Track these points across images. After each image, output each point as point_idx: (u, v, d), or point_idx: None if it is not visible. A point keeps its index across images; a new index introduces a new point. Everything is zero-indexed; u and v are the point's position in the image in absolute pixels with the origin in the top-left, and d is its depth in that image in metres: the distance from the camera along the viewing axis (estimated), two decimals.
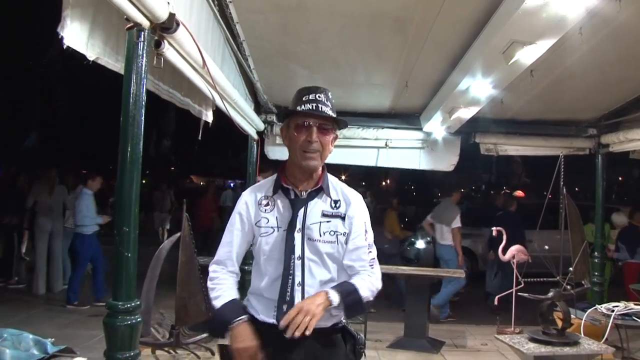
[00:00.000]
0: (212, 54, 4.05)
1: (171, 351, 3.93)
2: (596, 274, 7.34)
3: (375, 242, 2.58)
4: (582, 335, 4.20)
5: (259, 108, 7.24)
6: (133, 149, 2.73)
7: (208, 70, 3.65)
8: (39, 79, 18.07)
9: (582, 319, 4.65)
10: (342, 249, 2.47)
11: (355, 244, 2.50)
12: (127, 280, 2.76)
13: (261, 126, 7.17)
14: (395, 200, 11.38)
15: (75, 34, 2.61)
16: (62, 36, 2.50)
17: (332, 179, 2.58)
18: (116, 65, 3.00)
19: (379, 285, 2.53)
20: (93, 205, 8.60)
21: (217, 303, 2.44)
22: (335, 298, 2.33)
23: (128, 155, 2.72)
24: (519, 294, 5.20)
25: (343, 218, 2.49)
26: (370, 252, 2.54)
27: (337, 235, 2.46)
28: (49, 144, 20.29)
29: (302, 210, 2.45)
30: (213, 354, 4.10)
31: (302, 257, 2.40)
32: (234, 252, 2.53)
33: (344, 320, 2.54)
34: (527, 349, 3.84)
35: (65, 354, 2.77)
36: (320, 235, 2.43)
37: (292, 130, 2.46)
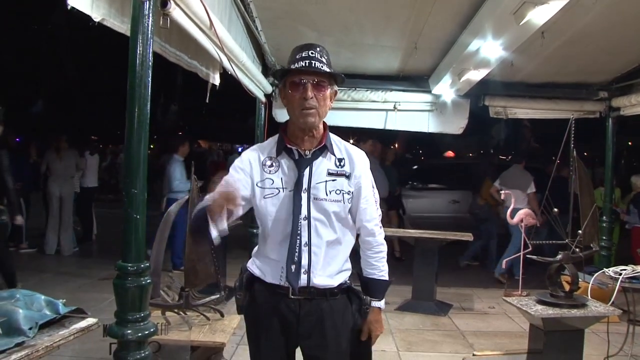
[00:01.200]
0: (219, 15, 4.00)
1: (181, 313, 3.96)
2: (604, 237, 7.37)
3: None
4: (590, 298, 4.21)
5: (266, 70, 7.18)
6: (141, 111, 2.72)
7: (215, 31, 3.62)
8: (44, 43, 17.97)
9: (589, 282, 4.66)
10: (347, 208, 2.48)
11: (367, 202, 2.53)
12: (136, 243, 2.77)
13: (269, 89, 7.12)
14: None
15: None
16: None
17: (334, 138, 2.57)
18: (122, 27, 2.97)
19: (385, 244, 2.65)
20: (184, 171, 8.74)
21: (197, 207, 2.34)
22: (382, 304, 2.63)
23: (136, 116, 2.71)
24: (527, 256, 5.19)
25: (348, 177, 2.49)
26: (378, 207, 2.60)
27: (342, 194, 2.46)
28: (58, 109, 20.31)
29: (307, 170, 2.44)
30: (222, 315, 4.13)
31: (308, 217, 2.40)
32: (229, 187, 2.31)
33: (348, 281, 2.57)
34: (534, 311, 3.86)
35: (76, 314, 2.80)
36: (327, 195, 2.43)
37: (288, 89, 2.44)
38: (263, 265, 2.52)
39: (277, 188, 2.44)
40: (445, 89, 7.20)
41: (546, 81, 7.45)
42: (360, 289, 2.64)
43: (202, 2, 3.22)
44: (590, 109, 7.63)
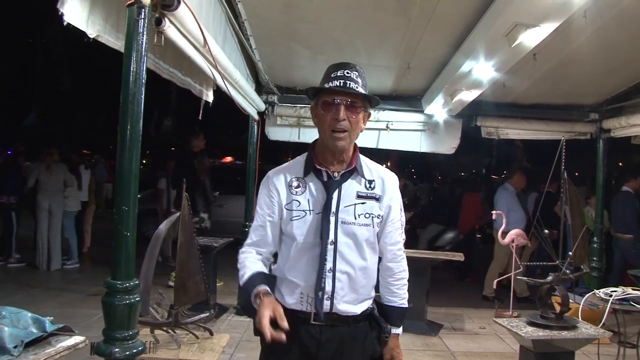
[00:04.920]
0: (213, 32, 4.02)
1: (170, 331, 3.92)
2: (595, 259, 7.34)
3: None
4: (580, 319, 4.20)
5: (260, 88, 7.23)
6: (133, 128, 2.70)
7: (209, 49, 3.62)
8: (40, 57, 17.98)
9: (580, 304, 4.66)
10: (376, 232, 2.41)
11: (393, 225, 2.47)
12: (126, 260, 2.75)
13: (262, 106, 7.16)
14: None
15: (75, 11, 2.59)
16: (62, 12, 2.47)
17: (365, 159, 2.50)
18: (117, 43, 2.98)
19: (407, 271, 2.59)
20: None
21: (242, 279, 2.37)
22: (401, 330, 2.56)
23: (128, 133, 2.69)
24: (518, 277, 5.19)
25: (378, 199, 2.41)
26: (403, 231, 2.58)
27: (372, 217, 2.38)
28: (51, 123, 20.24)
29: (336, 193, 2.36)
30: (212, 334, 4.10)
31: (335, 242, 2.33)
32: (268, 235, 2.45)
33: (371, 306, 2.50)
34: (525, 333, 3.84)
35: (63, 332, 2.77)
36: (355, 218, 2.36)
37: (320, 109, 2.37)
38: (283, 288, 2.43)
39: (303, 210, 2.37)
40: (437, 109, 7.25)
41: (538, 102, 7.52)
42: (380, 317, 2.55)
43: (196, 20, 3.22)
44: (581, 130, 7.69)
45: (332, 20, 5.10)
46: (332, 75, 2.36)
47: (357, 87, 2.32)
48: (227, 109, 5.97)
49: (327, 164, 2.41)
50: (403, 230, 2.57)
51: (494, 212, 7.93)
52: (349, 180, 2.40)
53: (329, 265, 2.32)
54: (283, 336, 2.08)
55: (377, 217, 2.40)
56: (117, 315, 2.72)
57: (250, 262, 2.42)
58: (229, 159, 17.99)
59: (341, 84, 2.31)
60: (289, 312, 2.32)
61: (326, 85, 2.34)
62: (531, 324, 4.00)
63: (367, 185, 2.42)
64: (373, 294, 2.51)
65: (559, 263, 4.85)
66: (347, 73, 2.35)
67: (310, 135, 7.66)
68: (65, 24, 2.49)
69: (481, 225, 12.23)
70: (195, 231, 4.56)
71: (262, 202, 2.47)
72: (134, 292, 2.78)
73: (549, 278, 4.17)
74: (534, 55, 4.98)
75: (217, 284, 7.59)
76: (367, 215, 2.38)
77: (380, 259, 2.53)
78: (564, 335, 3.88)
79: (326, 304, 2.33)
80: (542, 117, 7.73)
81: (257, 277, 2.34)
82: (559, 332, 3.88)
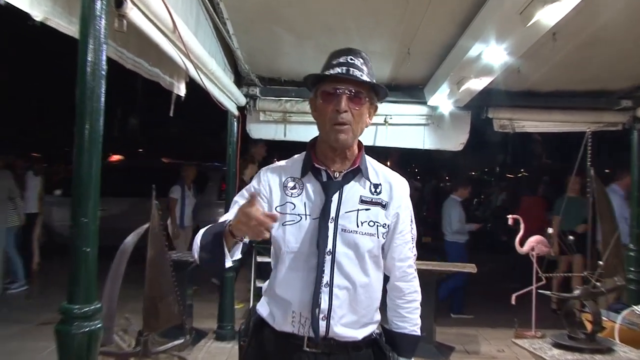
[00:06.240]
0: (183, 16, 3.98)
1: None
2: (632, 269, 7.17)
3: None
4: (617, 341, 4.16)
5: (239, 80, 7.19)
6: (92, 127, 2.65)
7: (180, 35, 3.60)
8: None
9: (616, 322, 4.61)
10: (381, 244, 2.38)
11: (402, 238, 2.44)
12: (85, 280, 2.68)
13: (242, 100, 7.13)
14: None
15: None
16: None
17: (371, 160, 2.49)
18: (70, 28, 2.92)
19: (419, 292, 2.54)
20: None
21: (198, 239, 2.28)
22: None
23: (86, 134, 2.64)
24: (539, 291, 5.16)
25: (385, 206, 2.38)
26: (414, 246, 2.50)
27: (377, 226, 2.35)
28: None
29: (336, 195, 2.33)
30: None
31: (332, 252, 2.29)
32: None
33: (377, 331, 2.46)
34: (550, 356, 3.80)
35: None
36: (358, 226, 2.32)
37: (319, 100, 2.35)
38: (273, 307, 2.38)
39: (298, 214, 2.34)
40: (442, 100, 7.22)
41: (558, 89, 7.47)
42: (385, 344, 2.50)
43: (163, 1, 3.18)
44: (610, 120, 7.61)
45: (320, 2, 5.07)
46: (333, 62, 2.34)
47: (361, 76, 2.30)
48: (204, 102, 5.92)
49: (328, 162, 2.39)
50: (414, 244, 2.51)
51: (509, 216, 7.92)
52: (352, 182, 2.38)
53: (325, 278, 2.28)
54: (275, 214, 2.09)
55: (383, 227, 2.37)
56: (74, 347, 2.64)
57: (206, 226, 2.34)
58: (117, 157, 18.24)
59: (343, 71, 2.29)
60: (279, 337, 2.31)
61: (326, 73, 2.32)
62: (557, 345, 3.97)
63: (372, 190, 2.40)
64: (377, 317, 2.47)
65: (587, 274, 4.81)
66: (351, 60, 2.33)
67: (298, 132, 7.64)
68: (2, 3, 2.43)
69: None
70: (167, 244, 4.52)
71: (245, 192, 2.43)
72: (95, 317, 2.71)
73: (577, 292, 4.15)
74: (554, 35, 4.93)
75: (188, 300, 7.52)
76: (371, 224, 2.35)
77: (387, 277, 2.49)
78: None
79: (322, 325, 2.27)
80: (564, 107, 7.64)
81: (220, 223, 2.26)
82: (591, 356, 3.84)
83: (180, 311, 4.30)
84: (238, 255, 2.23)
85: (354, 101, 2.30)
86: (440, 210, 10.03)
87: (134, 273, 4.71)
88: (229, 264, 2.20)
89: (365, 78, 2.30)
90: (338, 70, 2.29)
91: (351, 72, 2.28)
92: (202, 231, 2.31)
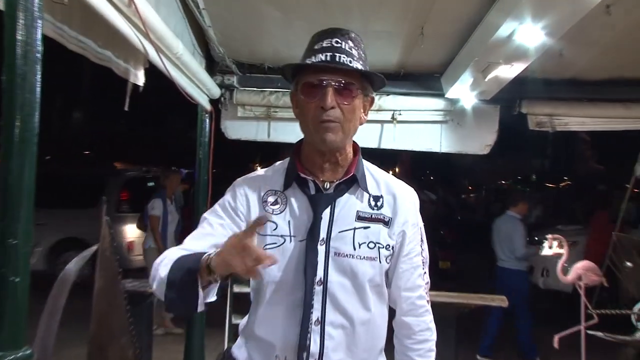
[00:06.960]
0: None
1: None
2: None
3: None
4: None
5: (213, 66, 7.15)
6: (25, 123, 2.58)
7: (136, 8, 3.56)
8: None
9: None
10: (384, 270, 2.35)
11: (410, 262, 2.41)
12: (13, 319, 2.60)
13: (216, 92, 7.08)
14: None
15: None
16: None
17: (369, 166, 2.47)
18: None
19: (434, 330, 2.49)
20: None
21: (164, 271, 2.19)
22: None
23: (16, 132, 2.57)
24: (588, 332, 5.12)
25: (387, 223, 2.35)
26: (426, 272, 2.47)
27: (378, 248, 2.32)
28: None
29: (327, 211, 2.30)
30: None
31: (324, 282, 2.25)
32: (207, 245, 2.26)
33: None
34: None
35: None
36: (355, 249, 2.29)
37: (300, 95, 2.32)
38: (252, 351, 2.36)
39: (281, 236, 2.30)
40: (464, 91, 7.21)
41: (611, 77, 7.41)
42: None
43: None
44: None
45: None
46: (315, 47, 2.31)
47: (351, 62, 2.26)
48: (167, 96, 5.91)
49: (316, 171, 2.36)
50: (426, 269, 2.47)
51: (549, 236, 7.90)
52: (346, 195, 2.35)
53: (315, 315, 2.24)
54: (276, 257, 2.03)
55: (386, 249, 2.33)
56: None
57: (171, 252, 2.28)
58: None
59: (328, 58, 2.25)
60: None
61: (307, 61, 2.28)
62: None
63: (372, 203, 2.37)
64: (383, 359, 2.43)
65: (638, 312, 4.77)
66: (337, 43, 2.29)
67: (285, 132, 7.59)
68: None
69: None
70: (121, 272, 4.45)
71: (219, 208, 2.40)
72: None
73: (639, 335, 4.12)
74: (607, 8, 4.89)
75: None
76: (371, 245, 2.31)
77: (393, 311, 2.46)
78: None
79: None
80: (618, 98, 7.58)
81: (193, 255, 2.19)
82: None
83: (137, 356, 4.23)
84: (213, 298, 2.17)
85: (343, 94, 2.27)
86: (467, 228, 10.09)
87: (78, 308, 4.66)
88: (201, 308, 2.13)
89: (355, 65, 2.26)
90: (321, 57, 2.26)
91: (338, 59, 2.25)
92: (167, 257, 2.24)
